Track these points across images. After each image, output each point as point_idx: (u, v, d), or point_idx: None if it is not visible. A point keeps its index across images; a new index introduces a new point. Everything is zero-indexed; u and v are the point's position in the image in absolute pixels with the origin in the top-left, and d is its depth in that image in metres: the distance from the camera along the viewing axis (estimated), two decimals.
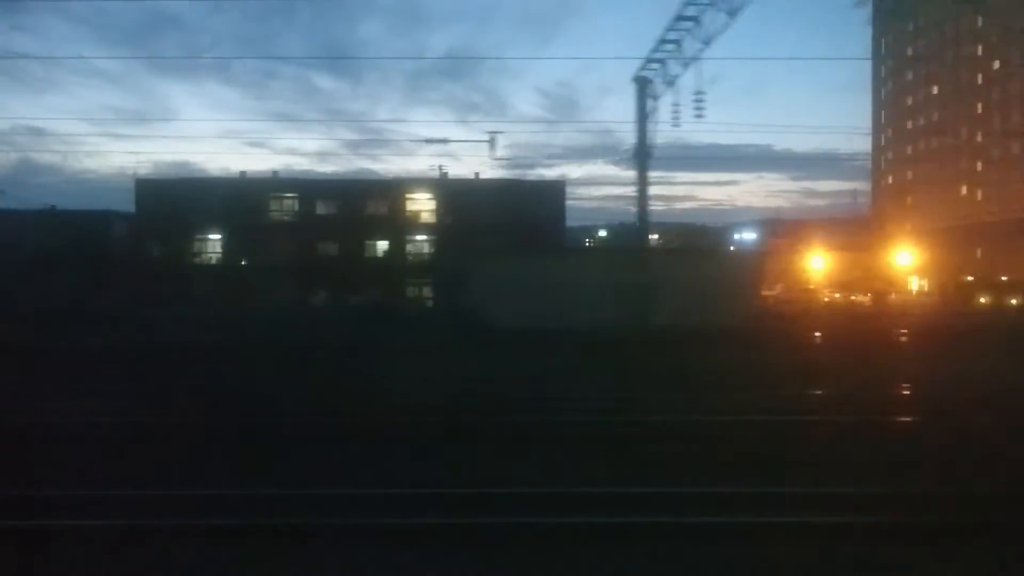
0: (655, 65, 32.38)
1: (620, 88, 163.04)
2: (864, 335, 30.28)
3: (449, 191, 54.82)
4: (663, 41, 30.68)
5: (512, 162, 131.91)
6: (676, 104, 31.92)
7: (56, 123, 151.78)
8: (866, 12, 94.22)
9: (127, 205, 59.44)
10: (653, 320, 31.17)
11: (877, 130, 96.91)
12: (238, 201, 53.53)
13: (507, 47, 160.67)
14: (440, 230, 53.61)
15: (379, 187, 55.78)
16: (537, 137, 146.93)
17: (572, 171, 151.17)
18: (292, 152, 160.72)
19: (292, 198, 54.47)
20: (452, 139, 74.17)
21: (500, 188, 53.99)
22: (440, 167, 59.72)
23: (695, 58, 29.22)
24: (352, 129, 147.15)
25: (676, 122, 31.95)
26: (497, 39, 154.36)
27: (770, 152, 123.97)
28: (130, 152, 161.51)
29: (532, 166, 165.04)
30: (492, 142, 43.36)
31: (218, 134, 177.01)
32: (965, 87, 78.45)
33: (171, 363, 21.32)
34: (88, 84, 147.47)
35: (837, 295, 70.21)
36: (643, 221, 34.80)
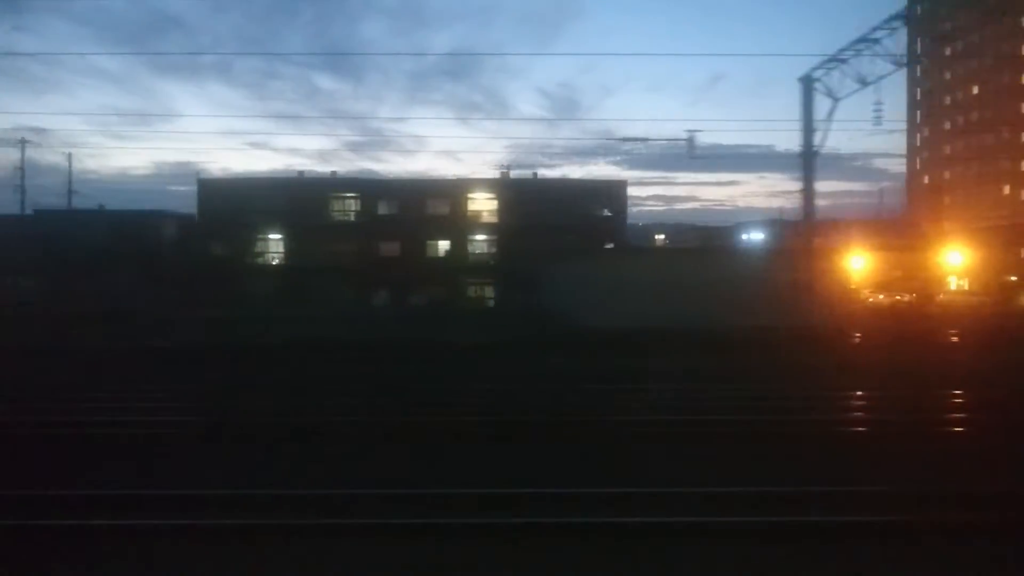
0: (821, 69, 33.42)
1: (621, 88, 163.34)
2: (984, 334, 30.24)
3: (510, 191, 55.22)
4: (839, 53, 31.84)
5: (514, 163, 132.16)
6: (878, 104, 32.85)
7: (57, 123, 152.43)
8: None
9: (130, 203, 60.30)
10: (737, 321, 31.45)
11: (912, 130, 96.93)
12: (299, 201, 54.06)
13: (509, 47, 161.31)
14: (501, 230, 54.01)
15: (440, 187, 56.19)
16: (539, 138, 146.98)
17: (573, 171, 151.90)
18: (294, 152, 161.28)
19: (353, 198, 54.93)
20: (649, 138, 73.48)
21: (560, 188, 54.41)
22: (505, 167, 60.05)
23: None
24: (354, 129, 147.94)
25: (877, 121, 33.08)
26: (498, 39, 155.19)
27: (772, 152, 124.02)
28: (135, 150, 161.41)
29: (533, 166, 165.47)
30: (690, 141, 41.90)
31: (219, 134, 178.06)
32: (1006, 86, 78.53)
33: (288, 361, 21.38)
34: (89, 84, 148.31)
35: (881, 296, 70.20)
36: (808, 220, 35.49)
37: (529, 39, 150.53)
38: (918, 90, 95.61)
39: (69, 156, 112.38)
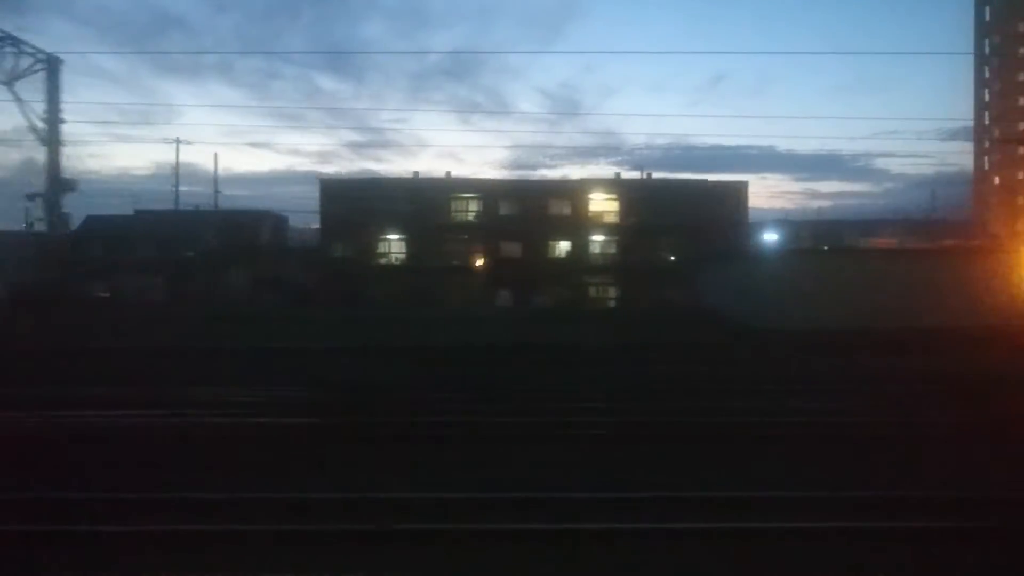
0: None
1: (622, 88, 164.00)
2: None
3: (631, 191, 55.44)
4: None
5: (515, 162, 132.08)
6: None
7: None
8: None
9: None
10: (918, 320, 31.51)
11: (980, 130, 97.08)
12: (420, 202, 54.37)
13: (510, 48, 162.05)
14: (623, 230, 54.24)
15: (560, 187, 56.37)
16: (540, 137, 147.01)
17: (574, 172, 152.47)
18: (295, 152, 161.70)
19: (473, 198, 55.20)
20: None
21: (681, 188, 54.61)
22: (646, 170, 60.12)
23: None
24: (355, 129, 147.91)
25: None
26: (500, 40, 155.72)
27: (773, 153, 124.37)
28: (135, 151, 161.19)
29: (535, 167, 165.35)
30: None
31: (220, 134, 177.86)
32: None
33: (455, 363, 20.41)
34: (91, 84, 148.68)
35: None
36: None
37: (530, 40, 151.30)
38: (986, 91, 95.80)
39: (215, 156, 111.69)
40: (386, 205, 53.61)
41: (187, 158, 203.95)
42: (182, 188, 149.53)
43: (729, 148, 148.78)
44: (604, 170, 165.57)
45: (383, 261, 54.80)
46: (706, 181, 55.92)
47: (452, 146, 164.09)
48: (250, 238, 59.43)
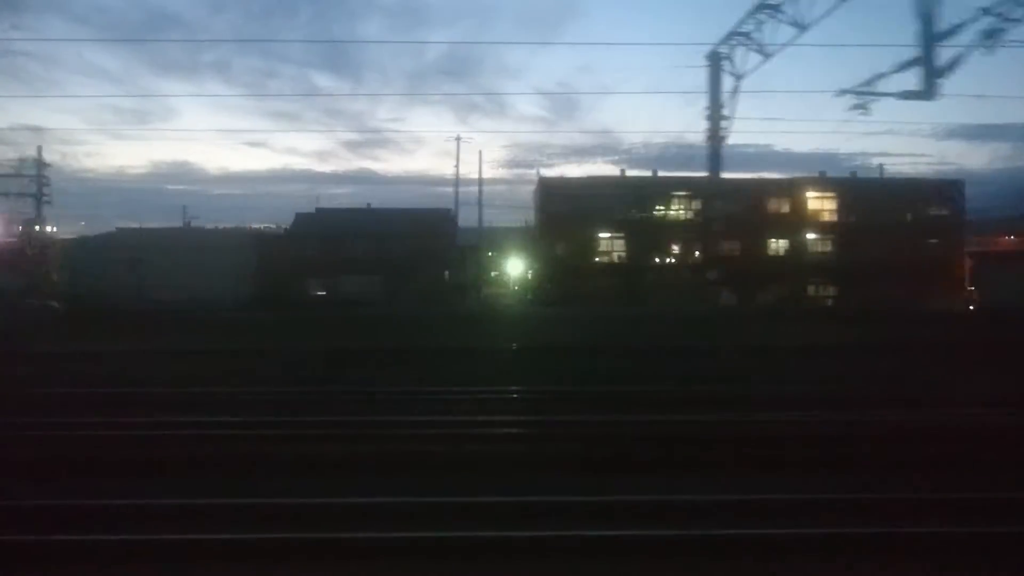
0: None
1: (620, 87, 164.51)
2: None
3: (848, 190, 55.87)
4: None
5: (512, 161, 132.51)
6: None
7: (55, 122, 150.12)
8: None
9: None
10: None
11: None
12: (638, 200, 54.73)
13: (508, 47, 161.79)
14: (841, 229, 54.71)
15: (776, 186, 56.75)
16: (537, 136, 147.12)
17: (571, 171, 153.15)
18: (292, 152, 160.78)
19: (690, 197, 55.50)
20: None
21: (898, 186, 55.18)
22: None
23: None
24: (352, 128, 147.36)
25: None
26: (498, 39, 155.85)
27: (770, 152, 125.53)
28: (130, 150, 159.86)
29: (531, 166, 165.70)
30: None
31: (218, 133, 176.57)
32: None
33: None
34: (87, 83, 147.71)
35: None
36: None
37: (528, 39, 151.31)
38: None
39: None
40: (604, 204, 53.94)
41: (182, 157, 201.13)
42: (179, 187, 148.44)
43: (726, 147, 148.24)
44: (601, 168, 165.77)
45: (601, 259, 55.07)
46: (922, 179, 56.54)
47: (450, 145, 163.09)
48: (436, 237, 59.33)
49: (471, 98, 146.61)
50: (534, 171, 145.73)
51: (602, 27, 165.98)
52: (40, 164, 54.45)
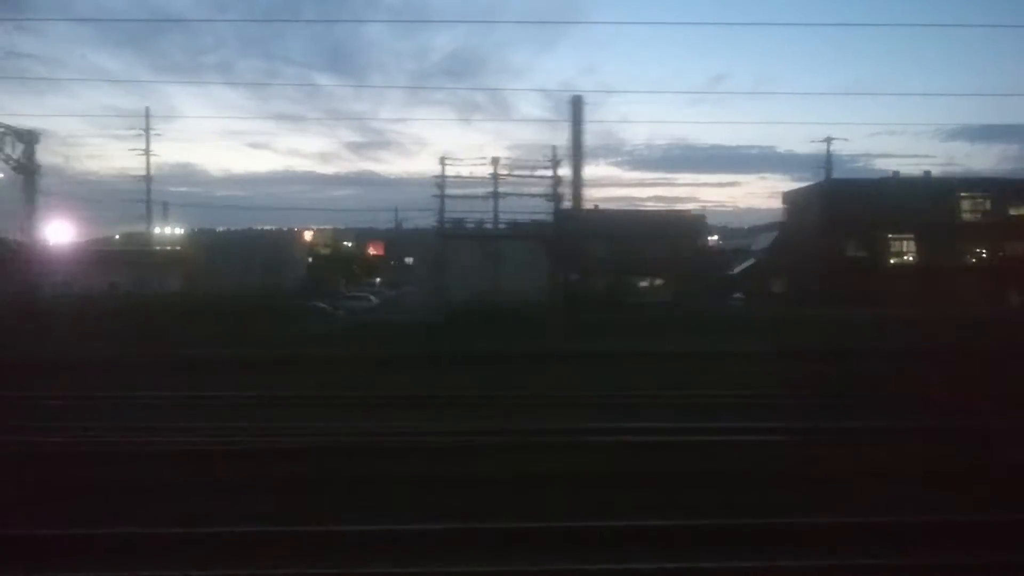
0: None
1: (623, 88, 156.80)
2: None
3: None
4: None
5: (514, 163, 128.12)
6: None
7: (58, 124, 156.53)
8: None
9: None
10: None
11: None
12: (928, 201, 54.36)
13: (511, 48, 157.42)
14: None
15: None
16: (540, 137, 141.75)
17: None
18: (294, 153, 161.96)
19: (983, 197, 54.72)
20: None
21: None
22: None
23: None
24: (355, 130, 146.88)
25: None
26: (501, 40, 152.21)
27: (773, 153, 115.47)
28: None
29: (534, 167, 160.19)
30: None
31: (221, 135, 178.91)
32: None
33: None
34: (91, 85, 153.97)
35: None
36: None
37: (532, 40, 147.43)
38: None
39: None
40: (893, 204, 53.96)
41: (184, 158, 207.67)
42: (181, 189, 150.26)
43: (729, 148, 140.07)
44: (604, 170, 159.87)
45: (894, 260, 55.15)
46: None
47: (452, 146, 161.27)
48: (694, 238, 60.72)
49: (473, 99, 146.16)
50: (537, 173, 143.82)
51: (605, 28, 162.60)
52: None
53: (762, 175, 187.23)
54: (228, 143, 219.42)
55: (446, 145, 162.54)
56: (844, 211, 55.11)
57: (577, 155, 40.83)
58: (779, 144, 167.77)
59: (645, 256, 56.78)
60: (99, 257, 58.99)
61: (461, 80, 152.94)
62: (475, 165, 54.37)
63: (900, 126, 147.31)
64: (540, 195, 50.76)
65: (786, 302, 53.83)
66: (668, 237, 57.75)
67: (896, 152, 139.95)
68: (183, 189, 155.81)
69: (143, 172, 64.29)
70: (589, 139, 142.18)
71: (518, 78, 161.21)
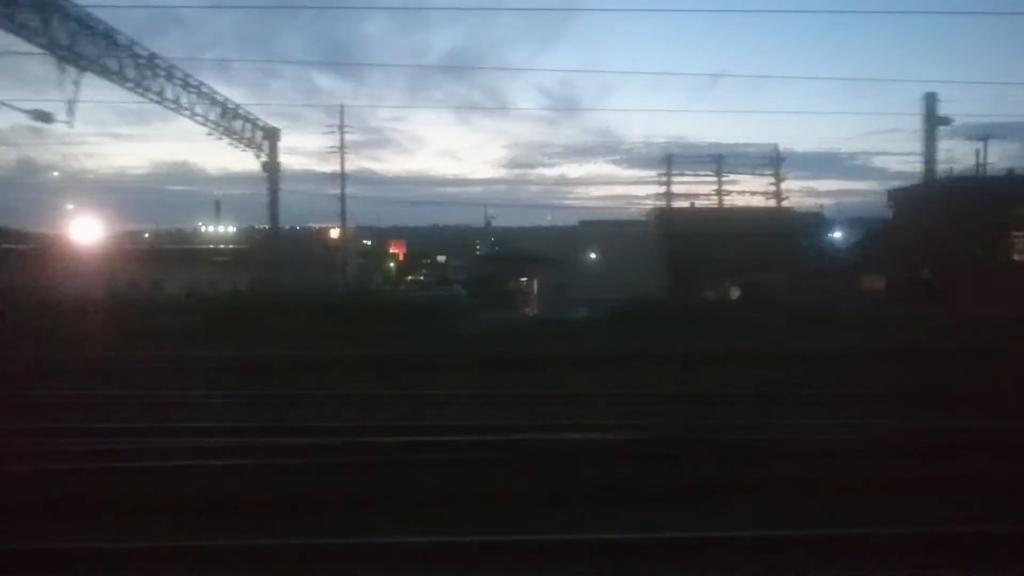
0: None
1: (621, 86, 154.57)
2: None
3: None
4: None
5: (513, 161, 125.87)
6: None
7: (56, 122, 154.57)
8: None
9: None
10: None
11: None
12: None
13: (510, 46, 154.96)
14: None
15: None
16: (538, 136, 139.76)
17: (571, 171, 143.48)
18: (292, 152, 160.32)
19: None
20: None
21: None
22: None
23: None
24: (353, 129, 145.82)
25: None
26: (500, 38, 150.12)
27: (773, 151, 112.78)
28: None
29: (533, 165, 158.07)
30: None
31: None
32: None
33: None
34: (87, 83, 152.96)
35: None
36: None
37: (531, 37, 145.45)
38: None
39: None
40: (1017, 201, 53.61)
41: (181, 157, 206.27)
42: (178, 187, 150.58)
43: (727, 146, 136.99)
44: (603, 169, 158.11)
45: (1017, 257, 54.78)
46: None
47: (451, 145, 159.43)
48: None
49: (472, 98, 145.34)
50: (535, 171, 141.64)
51: (604, 24, 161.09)
52: None
53: (761, 174, 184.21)
54: (225, 141, 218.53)
55: (445, 143, 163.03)
56: (964, 208, 54.73)
57: None
58: (779, 143, 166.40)
59: (767, 255, 56.09)
60: (145, 255, 56.88)
61: (460, 78, 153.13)
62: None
63: (898, 123, 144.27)
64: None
65: (885, 300, 53.55)
66: (789, 235, 57.52)
67: (894, 150, 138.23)
68: (180, 187, 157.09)
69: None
70: (586, 137, 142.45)
71: (516, 76, 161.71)
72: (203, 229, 73.86)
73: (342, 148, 56.37)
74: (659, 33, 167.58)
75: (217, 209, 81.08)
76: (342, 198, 58.19)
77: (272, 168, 33.93)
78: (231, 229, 72.90)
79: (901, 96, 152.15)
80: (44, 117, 29.47)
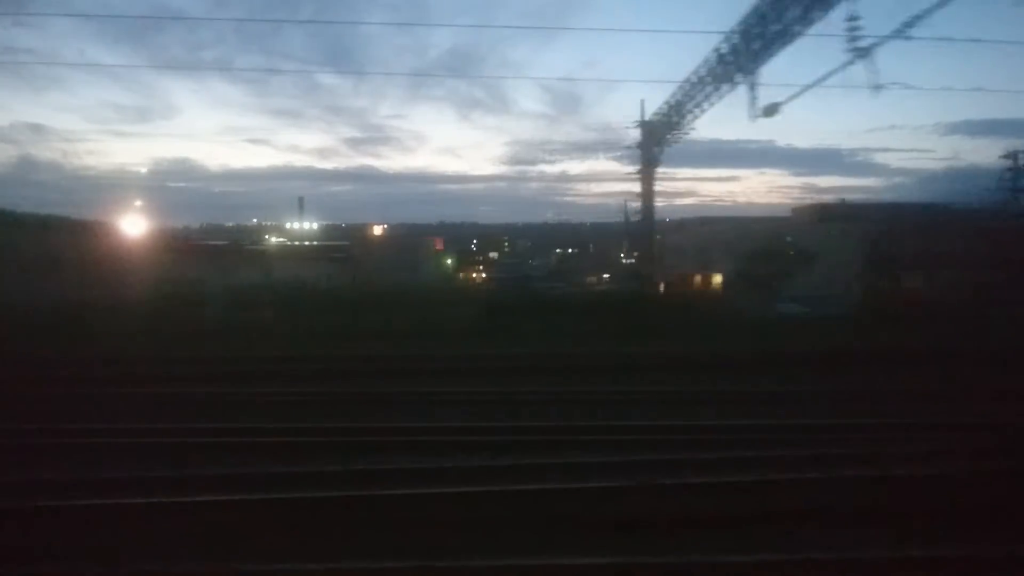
0: None
1: (622, 83, 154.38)
2: None
3: None
4: None
5: (513, 158, 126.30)
6: None
7: (57, 120, 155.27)
8: None
9: None
10: None
11: None
12: None
13: (510, 43, 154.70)
14: None
15: None
16: (539, 133, 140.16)
17: (572, 167, 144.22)
18: (293, 149, 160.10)
19: None
20: None
21: None
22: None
23: None
24: (354, 126, 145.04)
25: None
26: (500, 34, 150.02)
27: (773, 148, 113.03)
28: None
29: (533, 162, 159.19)
30: None
31: (219, 131, 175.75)
32: None
33: None
34: (89, 81, 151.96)
35: None
36: None
37: (531, 33, 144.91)
38: None
39: None
40: None
41: (182, 154, 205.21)
42: (180, 184, 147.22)
43: (728, 142, 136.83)
44: (604, 165, 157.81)
45: None
46: None
47: (452, 142, 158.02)
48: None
49: (473, 95, 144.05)
50: (536, 168, 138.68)
51: (605, 21, 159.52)
52: None
53: (761, 170, 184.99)
54: (226, 138, 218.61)
55: (446, 141, 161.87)
56: None
57: None
58: (779, 139, 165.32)
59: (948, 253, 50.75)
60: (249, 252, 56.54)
61: (461, 76, 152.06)
62: None
63: (900, 120, 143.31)
64: None
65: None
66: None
67: (895, 147, 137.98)
68: (181, 184, 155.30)
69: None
70: (587, 135, 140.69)
71: (518, 73, 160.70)
72: (288, 226, 73.88)
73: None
74: (660, 26, 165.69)
75: (300, 207, 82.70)
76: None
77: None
78: (314, 226, 74.38)
79: (902, 93, 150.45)
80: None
